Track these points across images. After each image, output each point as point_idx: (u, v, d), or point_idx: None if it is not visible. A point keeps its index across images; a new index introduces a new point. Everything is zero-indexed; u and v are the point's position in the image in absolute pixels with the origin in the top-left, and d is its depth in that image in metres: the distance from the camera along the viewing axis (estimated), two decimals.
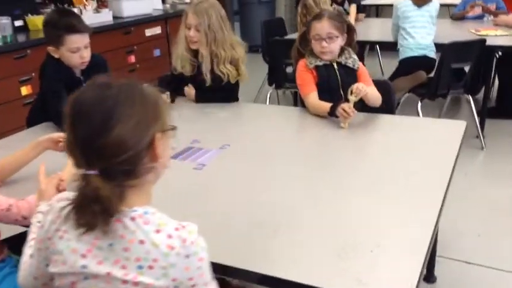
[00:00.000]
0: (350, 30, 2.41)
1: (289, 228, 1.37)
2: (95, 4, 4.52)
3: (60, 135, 1.72)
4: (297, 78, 2.41)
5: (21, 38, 3.93)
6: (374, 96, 2.29)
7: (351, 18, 4.68)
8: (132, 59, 4.69)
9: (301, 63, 2.41)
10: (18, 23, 4.07)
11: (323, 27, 2.30)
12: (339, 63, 2.37)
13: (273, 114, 2.50)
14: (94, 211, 0.95)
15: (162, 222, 1.00)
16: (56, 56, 2.21)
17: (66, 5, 4.30)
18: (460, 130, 2.01)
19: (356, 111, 2.11)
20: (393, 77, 3.86)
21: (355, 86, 2.16)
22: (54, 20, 2.22)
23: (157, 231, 0.98)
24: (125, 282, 0.98)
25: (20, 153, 1.72)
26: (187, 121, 2.31)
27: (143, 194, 1.04)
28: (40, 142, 1.73)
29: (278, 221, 1.40)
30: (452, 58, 3.48)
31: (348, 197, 1.55)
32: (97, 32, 3.98)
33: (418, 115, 3.51)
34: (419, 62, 3.75)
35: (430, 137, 2.01)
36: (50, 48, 2.21)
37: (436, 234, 1.91)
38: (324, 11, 2.42)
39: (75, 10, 4.20)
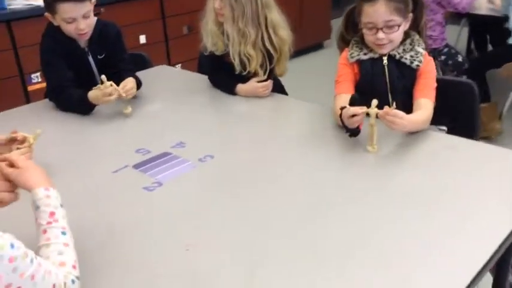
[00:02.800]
0: (417, 6, 1.79)
1: None
2: None
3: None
4: (337, 73, 1.88)
5: None
6: (414, 126, 1.63)
7: None
8: None
9: (344, 54, 1.87)
10: None
11: (378, 12, 1.68)
12: (391, 57, 1.78)
13: (295, 112, 1.99)
14: None
15: None
16: (55, 23, 1.96)
17: None
18: None
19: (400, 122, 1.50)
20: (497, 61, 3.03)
21: (383, 111, 1.50)
22: None
23: None
24: None
25: None
26: (190, 113, 1.95)
27: None
28: None
29: None
30: None
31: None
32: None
33: None
34: None
35: None
36: (47, 15, 1.96)
37: None
38: None
39: None
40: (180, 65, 3.94)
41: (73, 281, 0.95)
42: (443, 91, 1.80)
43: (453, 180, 1.39)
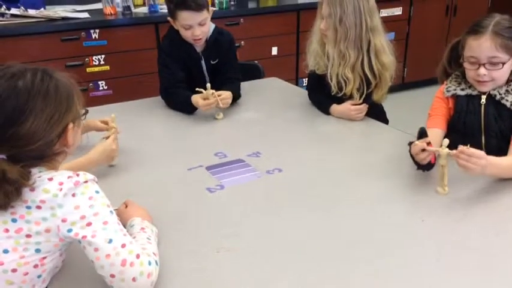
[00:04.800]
0: None
1: None
2: None
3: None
4: (431, 106, 1.80)
5: (251, 4, 4.06)
6: (498, 171, 1.50)
7: None
8: None
9: (441, 88, 1.78)
10: None
11: (482, 47, 1.58)
12: (490, 97, 1.66)
13: (382, 140, 1.92)
14: (6, 191, 0.98)
15: (56, 173, 1.04)
16: (176, 28, 2.18)
17: None
18: None
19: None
20: None
21: (458, 150, 1.40)
22: None
23: (50, 179, 1.03)
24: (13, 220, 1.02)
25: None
26: (278, 126, 2.02)
27: (51, 167, 1.08)
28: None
29: None
30: None
31: None
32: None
33: None
34: None
35: None
36: (170, 19, 2.19)
37: None
38: (488, 19, 1.61)
39: None
40: (305, 79, 4.02)
41: (156, 262, 1.10)
42: None
43: None
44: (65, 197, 1.02)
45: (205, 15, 2.10)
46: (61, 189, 1.02)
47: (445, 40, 4.74)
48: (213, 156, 1.75)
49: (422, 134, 1.47)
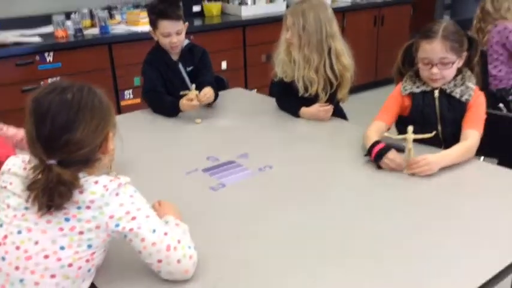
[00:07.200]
0: (472, 45, 1.95)
1: None
2: None
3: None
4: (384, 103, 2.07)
5: (197, 22, 4.25)
6: (447, 161, 1.76)
7: None
8: None
9: (397, 87, 2.04)
10: (196, 8, 4.38)
11: (434, 50, 1.84)
12: (442, 91, 1.94)
13: (350, 135, 2.11)
14: (61, 192, 1.11)
15: (99, 178, 1.17)
16: (155, 38, 2.42)
17: None
18: None
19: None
20: None
21: (407, 166, 1.72)
22: (153, 4, 2.44)
23: (96, 182, 1.16)
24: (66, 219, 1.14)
25: None
26: (256, 130, 2.21)
27: (90, 172, 1.21)
28: None
29: None
30: None
31: None
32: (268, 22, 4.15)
33: None
34: None
35: None
36: (151, 30, 2.44)
37: None
38: (438, 25, 1.87)
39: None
40: (255, 89, 4.25)
41: (194, 248, 1.23)
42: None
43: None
44: (110, 197, 1.15)
45: (182, 26, 2.39)
46: (107, 190, 1.15)
47: (376, 47, 5.16)
48: (206, 160, 1.91)
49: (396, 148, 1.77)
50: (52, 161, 1.12)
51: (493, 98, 3.40)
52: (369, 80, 5.01)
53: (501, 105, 3.36)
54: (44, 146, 1.12)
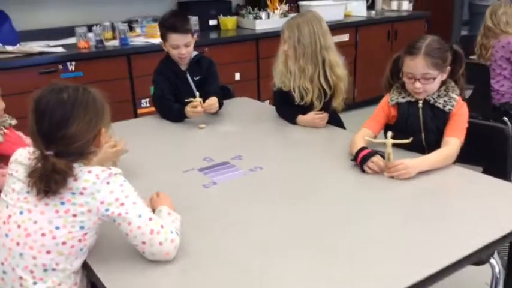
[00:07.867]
0: (456, 60, 2.05)
1: None
2: (285, 8, 4.75)
3: None
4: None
5: (213, 35, 4.45)
6: (426, 166, 1.87)
7: None
8: None
9: (385, 99, 2.17)
10: (213, 22, 4.58)
11: (417, 66, 1.94)
12: (426, 102, 2.05)
13: (343, 142, 2.20)
14: (56, 179, 1.26)
15: (92, 168, 1.32)
16: (166, 49, 2.60)
17: (256, 8, 4.64)
18: None
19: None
20: None
21: (387, 170, 1.84)
22: (164, 18, 2.61)
23: (89, 171, 1.31)
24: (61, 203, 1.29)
25: None
26: (253, 135, 2.35)
27: (86, 163, 1.36)
28: None
29: None
30: None
31: None
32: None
33: None
34: None
35: None
36: (161, 42, 2.62)
37: None
38: (421, 41, 1.98)
39: (263, 14, 4.52)
40: (268, 101, 4.41)
41: (177, 233, 1.38)
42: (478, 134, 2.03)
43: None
44: (101, 184, 1.30)
45: (190, 38, 2.55)
46: (98, 178, 1.30)
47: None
48: (202, 160, 2.06)
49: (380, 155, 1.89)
50: (49, 152, 1.28)
51: (497, 112, 3.49)
52: (381, 93, 5.09)
53: (505, 118, 3.42)
54: (43, 140, 1.29)
